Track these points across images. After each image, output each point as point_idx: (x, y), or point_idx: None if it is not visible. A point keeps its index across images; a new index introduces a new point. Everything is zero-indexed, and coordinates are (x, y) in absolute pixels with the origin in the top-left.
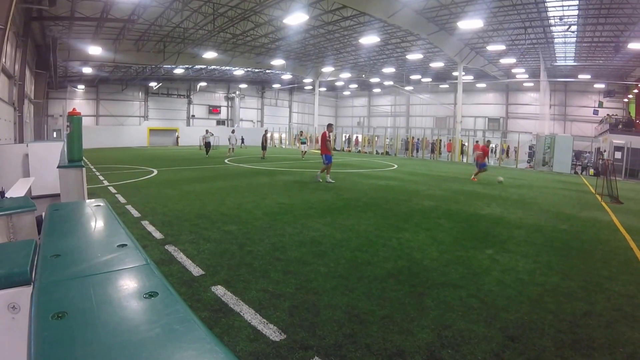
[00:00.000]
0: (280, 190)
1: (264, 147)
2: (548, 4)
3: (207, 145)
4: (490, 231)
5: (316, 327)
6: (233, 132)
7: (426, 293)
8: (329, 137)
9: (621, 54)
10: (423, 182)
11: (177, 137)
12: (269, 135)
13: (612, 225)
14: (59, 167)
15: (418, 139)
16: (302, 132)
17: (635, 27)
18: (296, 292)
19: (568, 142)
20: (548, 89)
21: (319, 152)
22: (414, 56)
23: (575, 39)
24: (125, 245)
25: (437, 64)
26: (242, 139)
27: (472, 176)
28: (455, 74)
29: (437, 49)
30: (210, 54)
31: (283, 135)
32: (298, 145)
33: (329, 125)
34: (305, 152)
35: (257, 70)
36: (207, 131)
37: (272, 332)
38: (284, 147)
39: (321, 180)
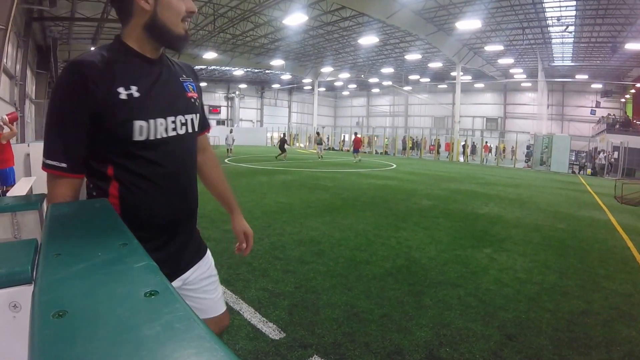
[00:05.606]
0: (280, 189)
1: (283, 149)
2: (546, 5)
3: None
4: (488, 230)
5: (315, 326)
6: (231, 131)
7: (425, 292)
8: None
9: (618, 54)
10: (421, 182)
11: None
12: (286, 137)
13: (609, 225)
14: None
15: (418, 139)
16: (318, 132)
17: (633, 28)
18: (295, 290)
19: (565, 142)
20: (546, 89)
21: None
22: (413, 56)
23: (572, 39)
24: (126, 244)
25: (435, 64)
26: None
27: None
28: (453, 74)
29: (436, 49)
30: (210, 55)
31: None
32: (314, 145)
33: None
34: (322, 154)
35: (256, 70)
36: None
37: (271, 331)
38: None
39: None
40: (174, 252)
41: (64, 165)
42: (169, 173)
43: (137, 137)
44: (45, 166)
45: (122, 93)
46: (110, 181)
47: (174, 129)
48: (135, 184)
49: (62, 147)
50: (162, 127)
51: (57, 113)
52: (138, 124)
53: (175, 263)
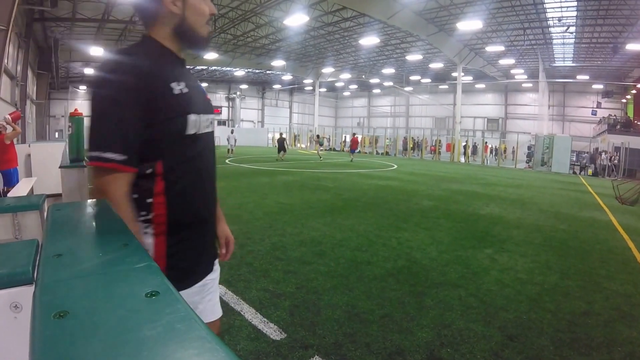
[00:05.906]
0: (281, 190)
1: (284, 149)
2: (547, 5)
3: None
4: (489, 231)
5: (316, 326)
6: (232, 132)
7: (426, 292)
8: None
9: (619, 54)
10: (422, 182)
11: None
12: (284, 136)
13: (610, 225)
14: (60, 167)
15: (419, 140)
16: (318, 135)
17: (634, 28)
18: (296, 291)
19: (566, 143)
20: (547, 89)
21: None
22: (414, 57)
23: (573, 39)
24: (127, 245)
25: (436, 65)
26: None
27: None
28: (454, 74)
29: (437, 49)
30: (211, 55)
31: (283, 135)
32: (316, 146)
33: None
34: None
35: (257, 71)
36: None
37: (272, 331)
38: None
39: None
40: (208, 247)
41: (124, 157)
42: (205, 168)
43: (190, 130)
44: (98, 160)
45: (176, 88)
46: (156, 179)
47: (207, 126)
48: (181, 180)
49: (120, 139)
50: (203, 123)
51: (113, 104)
52: (192, 117)
53: (209, 259)
